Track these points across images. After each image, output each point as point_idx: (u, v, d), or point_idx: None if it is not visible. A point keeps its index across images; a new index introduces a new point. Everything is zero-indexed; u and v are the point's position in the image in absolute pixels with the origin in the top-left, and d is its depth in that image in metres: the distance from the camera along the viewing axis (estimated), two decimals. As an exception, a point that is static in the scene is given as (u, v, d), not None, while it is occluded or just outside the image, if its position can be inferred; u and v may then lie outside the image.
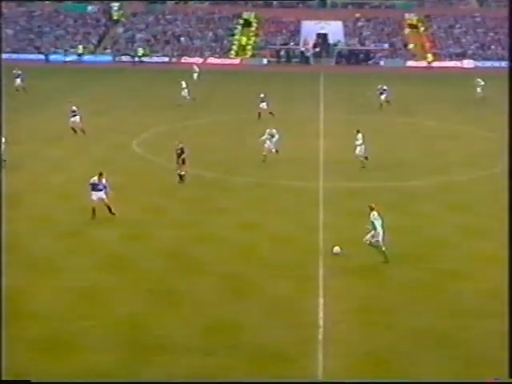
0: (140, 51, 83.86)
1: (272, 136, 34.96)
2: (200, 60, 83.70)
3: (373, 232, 23.32)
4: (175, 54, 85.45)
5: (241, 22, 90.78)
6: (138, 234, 26.60)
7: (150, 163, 32.76)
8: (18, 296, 21.30)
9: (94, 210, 27.44)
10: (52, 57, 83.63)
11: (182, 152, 32.48)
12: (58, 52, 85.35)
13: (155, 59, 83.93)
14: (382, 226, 23.43)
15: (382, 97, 52.50)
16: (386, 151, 39.24)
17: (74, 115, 41.63)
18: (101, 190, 27.09)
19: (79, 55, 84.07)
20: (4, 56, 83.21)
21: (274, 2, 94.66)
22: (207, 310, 20.63)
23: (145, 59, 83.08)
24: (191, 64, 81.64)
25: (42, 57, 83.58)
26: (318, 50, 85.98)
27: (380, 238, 23.35)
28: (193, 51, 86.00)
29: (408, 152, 40.06)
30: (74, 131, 41.76)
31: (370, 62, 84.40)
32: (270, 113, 48.11)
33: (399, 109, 53.01)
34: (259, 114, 48.26)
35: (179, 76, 65.07)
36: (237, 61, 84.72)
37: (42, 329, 19.36)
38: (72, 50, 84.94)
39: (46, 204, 30.10)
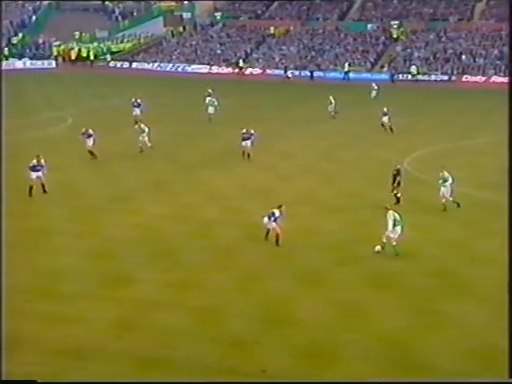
0: (413, 69, 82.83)
1: (445, 181, 31.80)
2: (482, 78, 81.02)
3: (391, 228, 25.47)
4: (455, 72, 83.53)
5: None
6: (405, 252, 26.14)
7: (419, 182, 32.27)
8: (285, 303, 21.89)
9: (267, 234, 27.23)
10: (330, 74, 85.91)
11: (398, 173, 31.87)
12: (337, 69, 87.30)
13: (433, 77, 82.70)
14: (401, 225, 25.63)
15: None
16: None
17: (247, 138, 40.38)
18: (275, 221, 26.97)
19: (345, 73, 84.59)
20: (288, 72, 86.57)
21: None
22: (475, 333, 19.83)
23: (421, 77, 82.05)
24: (472, 83, 79.61)
25: (321, 74, 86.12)
26: None
27: (396, 236, 25.50)
28: (474, 69, 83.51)
29: None
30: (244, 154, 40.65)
31: None
32: (390, 127, 48.57)
33: None
34: (383, 126, 49.04)
35: (458, 94, 63.46)
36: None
37: (306, 337, 19.67)
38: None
39: (314, 215, 30.75)
